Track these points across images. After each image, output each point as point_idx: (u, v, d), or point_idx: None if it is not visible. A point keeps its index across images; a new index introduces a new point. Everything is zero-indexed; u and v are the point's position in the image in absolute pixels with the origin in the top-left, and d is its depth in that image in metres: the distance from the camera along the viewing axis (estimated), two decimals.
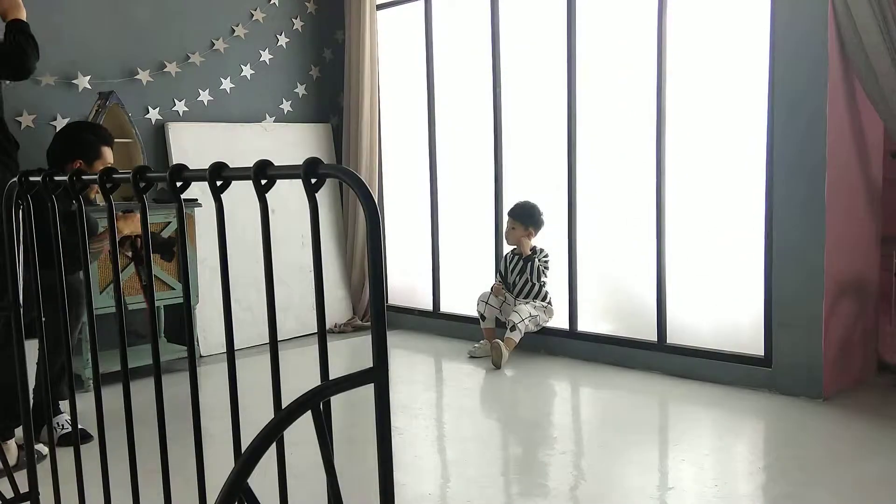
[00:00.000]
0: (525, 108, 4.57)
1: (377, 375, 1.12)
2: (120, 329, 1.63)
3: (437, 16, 4.93)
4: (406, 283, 5.30)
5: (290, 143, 5.07)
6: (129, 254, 3.12)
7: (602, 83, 4.20)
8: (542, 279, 4.39)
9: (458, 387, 4.02)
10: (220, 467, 1.64)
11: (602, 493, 2.60)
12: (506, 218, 4.51)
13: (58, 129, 4.11)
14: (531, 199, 4.42)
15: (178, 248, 3.62)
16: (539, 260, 4.37)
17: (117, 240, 1.65)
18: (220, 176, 1.32)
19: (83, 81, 4.24)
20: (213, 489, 1.20)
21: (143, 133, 4.42)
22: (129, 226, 3.15)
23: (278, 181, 1.26)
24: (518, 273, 4.42)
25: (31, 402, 2.76)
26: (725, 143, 3.78)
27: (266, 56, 4.99)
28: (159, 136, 4.58)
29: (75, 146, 3.17)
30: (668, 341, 3.99)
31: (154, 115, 4.55)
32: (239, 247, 4.35)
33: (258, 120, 4.98)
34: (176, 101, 4.63)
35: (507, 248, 4.57)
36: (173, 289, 4.14)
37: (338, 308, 5.25)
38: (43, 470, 2.12)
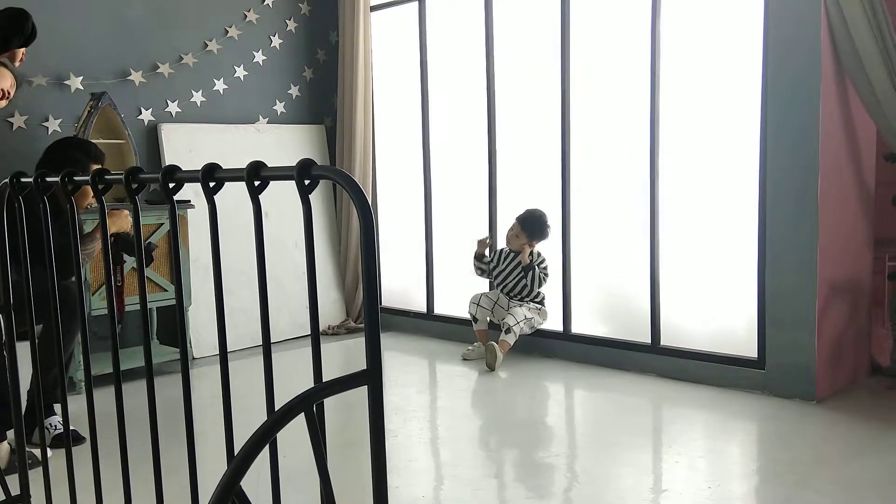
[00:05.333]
0: (519, 109, 4.56)
1: (371, 378, 1.11)
2: (112, 331, 1.62)
3: (430, 17, 4.93)
4: (400, 284, 5.30)
5: (284, 144, 5.06)
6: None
7: (596, 83, 4.20)
8: (542, 286, 4.38)
9: (452, 389, 4.02)
10: (213, 469, 1.63)
11: (596, 495, 2.60)
12: (509, 220, 4.43)
13: (49, 132, 4.12)
14: (540, 208, 4.33)
15: (170, 251, 3.59)
16: (539, 268, 4.36)
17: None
18: (212, 177, 1.32)
19: (75, 82, 4.23)
20: (206, 491, 1.19)
21: (135, 134, 4.40)
22: (115, 223, 3.12)
23: (272, 182, 1.26)
24: (514, 275, 4.40)
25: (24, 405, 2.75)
26: (719, 145, 3.79)
27: (259, 57, 4.98)
28: (152, 137, 4.56)
29: (63, 164, 3.13)
30: (661, 343, 3.99)
31: (147, 115, 4.53)
32: (232, 248, 4.35)
33: (251, 121, 4.97)
34: (169, 101, 4.61)
35: (500, 245, 4.56)
36: (166, 290, 4.12)
37: (331, 310, 5.24)
38: (35, 472, 2.11)
